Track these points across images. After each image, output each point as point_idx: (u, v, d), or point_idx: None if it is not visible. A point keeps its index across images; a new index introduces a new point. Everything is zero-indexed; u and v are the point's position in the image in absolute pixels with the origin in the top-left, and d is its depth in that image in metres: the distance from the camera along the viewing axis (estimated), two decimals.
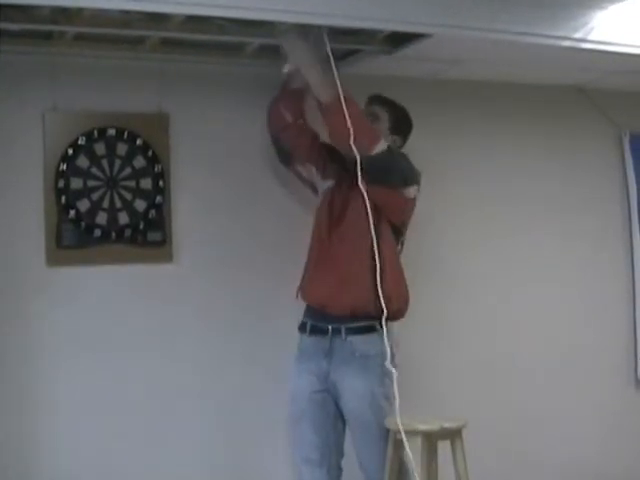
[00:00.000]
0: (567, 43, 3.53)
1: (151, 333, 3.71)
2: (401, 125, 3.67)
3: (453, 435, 3.40)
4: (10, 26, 3.22)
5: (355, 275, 3.41)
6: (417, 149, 4.11)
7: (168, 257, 3.76)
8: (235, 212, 3.86)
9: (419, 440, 3.37)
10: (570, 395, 4.43)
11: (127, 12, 3.18)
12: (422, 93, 4.15)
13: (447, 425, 3.36)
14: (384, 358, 3.24)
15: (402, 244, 3.58)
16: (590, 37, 3.55)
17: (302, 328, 3.59)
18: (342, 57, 3.80)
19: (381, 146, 3.36)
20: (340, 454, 3.56)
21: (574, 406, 4.43)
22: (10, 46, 3.39)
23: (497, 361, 4.26)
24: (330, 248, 3.50)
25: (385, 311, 3.26)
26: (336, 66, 3.34)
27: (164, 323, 3.74)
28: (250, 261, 3.86)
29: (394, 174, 3.41)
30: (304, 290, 3.58)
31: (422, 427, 3.37)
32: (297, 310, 3.68)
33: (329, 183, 3.62)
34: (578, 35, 3.53)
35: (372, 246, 3.32)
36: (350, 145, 3.23)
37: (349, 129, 3.22)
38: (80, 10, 3.14)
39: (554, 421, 4.37)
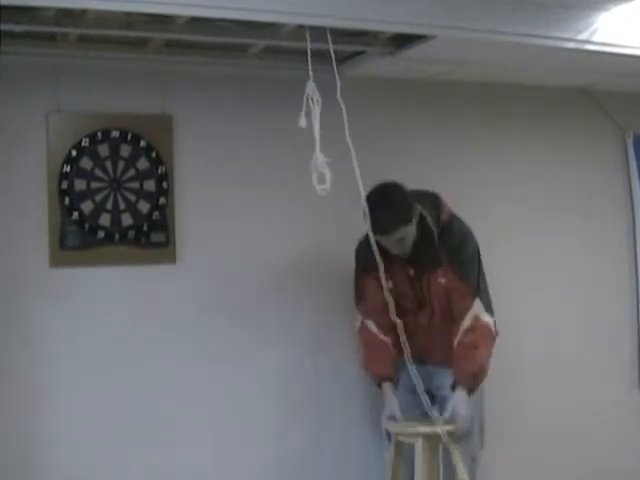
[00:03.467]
0: (571, 45, 3.54)
1: (153, 334, 3.71)
2: (414, 214, 3.54)
3: (453, 437, 3.39)
4: (14, 27, 3.22)
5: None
6: (418, 150, 4.13)
7: (171, 258, 3.76)
8: (238, 213, 3.87)
9: (420, 443, 3.38)
10: (574, 398, 4.42)
11: (131, 14, 3.18)
12: (425, 94, 4.16)
13: (448, 428, 3.36)
14: None
15: None
16: (594, 39, 3.56)
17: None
18: (346, 58, 3.81)
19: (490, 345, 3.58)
20: None
21: (578, 409, 4.42)
22: (14, 47, 3.40)
23: (499, 365, 4.24)
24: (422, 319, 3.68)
25: None
26: (339, 68, 3.33)
27: (167, 324, 3.74)
28: (253, 263, 3.86)
29: None
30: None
31: (422, 430, 3.37)
32: (299, 309, 3.68)
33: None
34: (582, 37, 3.54)
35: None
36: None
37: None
38: (84, 12, 3.14)
39: (557, 424, 4.37)
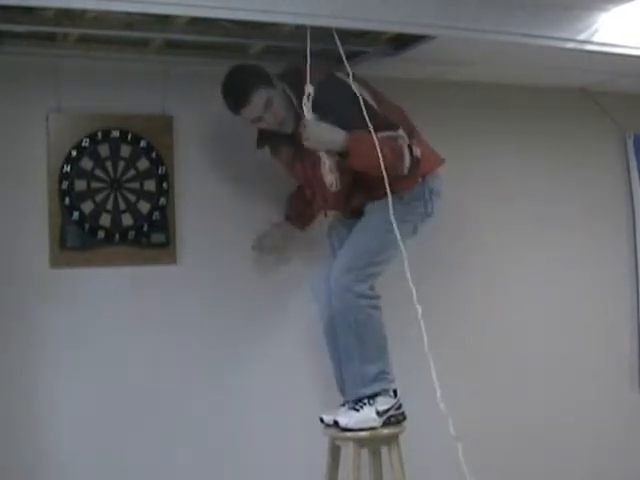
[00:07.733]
0: (571, 45, 3.55)
1: (154, 334, 3.71)
2: (271, 82, 3.45)
3: (389, 441, 3.38)
4: (15, 27, 3.23)
5: None
6: None
7: (172, 259, 3.76)
8: (239, 213, 3.86)
9: (351, 447, 3.35)
10: (574, 398, 4.42)
11: (131, 14, 3.19)
12: (426, 95, 4.15)
13: (379, 431, 3.34)
14: None
15: None
16: (594, 39, 3.57)
17: None
18: (347, 58, 3.80)
19: (407, 161, 3.32)
20: None
21: (577, 409, 4.43)
22: (15, 47, 3.41)
23: (497, 365, 4.25)
24: None
25: None
26: (340, 68, 3.34)
27: (167, 325, 3.74)
28: (254, 262, 3.87)
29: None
30: None
31: (349, 434, 3.35)
32: (299, 311, 3.68)
33: None
34: (582, 37, 3.55)
35: None
36: (392, 167, 3.21)
37: (377, 157, 3.15)
38: (84, 12, 3.14)
39: (557, 424, 4.37)
